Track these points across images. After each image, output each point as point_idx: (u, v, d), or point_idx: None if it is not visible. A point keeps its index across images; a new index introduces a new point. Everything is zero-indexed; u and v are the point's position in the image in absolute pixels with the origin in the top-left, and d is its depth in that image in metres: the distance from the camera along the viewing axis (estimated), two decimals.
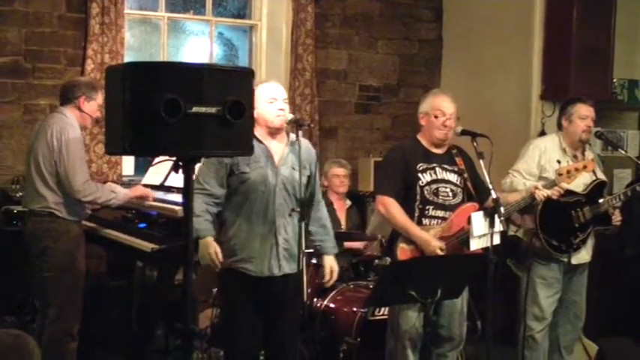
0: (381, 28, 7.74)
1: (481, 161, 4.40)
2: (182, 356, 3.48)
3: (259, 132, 4.18)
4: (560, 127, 5.25)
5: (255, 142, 4.01)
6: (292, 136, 4.30)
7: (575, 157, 5.13)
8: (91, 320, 5.05)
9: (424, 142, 4.75)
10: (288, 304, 4.20)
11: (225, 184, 4.19)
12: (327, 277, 4.44)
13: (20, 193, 5.69)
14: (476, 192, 4.72)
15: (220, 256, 4.14)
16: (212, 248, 4.12)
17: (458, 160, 4.76)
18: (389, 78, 7.83)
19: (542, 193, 4.68)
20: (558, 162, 4.96)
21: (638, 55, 7.38)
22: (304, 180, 4.20)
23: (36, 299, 5.32)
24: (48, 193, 4.80)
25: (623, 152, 5.34)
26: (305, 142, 4.39)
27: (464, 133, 4.59)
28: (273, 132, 4.24)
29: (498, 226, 4.34)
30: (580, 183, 5.04)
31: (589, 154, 5.20)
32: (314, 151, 4.50)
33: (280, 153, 4.24)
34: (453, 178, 4.71)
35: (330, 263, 4.46)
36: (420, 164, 4.65)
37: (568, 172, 4.69)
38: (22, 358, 2.59)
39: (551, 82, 6.76)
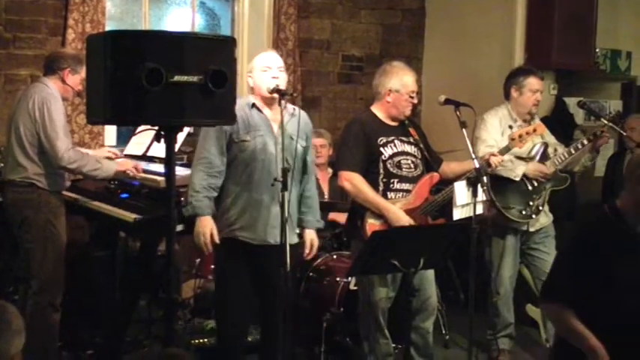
0: None
1: (464, 130, 4.40)
2: (165, 326, 3.49)
3: (258, 101, 4.26)
4: (507, 96, 5.25)
5: (255, 111, 4.23)
6: (290, 107, 4.33)
7: (525, 121, 5.17)
8: (74, 291, 5.03)
9: (381, 116, 4.73)
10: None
11: (225, 153, 4.20)
12: (306, 251, 4.44)
13: (2, 164, 5.64)
14: (431, 161, 4.75)
15: (216, 237, 4.14)
16: (208, 229, 4.12)
17: (411, 130, 4.76)
18: (372, 48, 7.80)
19: (496, 160, 4.67)
20: (510, 127, 5.04)
21: (620, 25, 7.39)
22: (300, 150, 4.24)
23: (18, 270, 5.30)
24: (28, 163, 4.75)
25: (605, 122, 5.35)
26: (303, 114, 4.41)
27: (447, 102, 4.57)
28: (268, 101, 4.28)
29: (481, 196, 4.36)
30: (526, 149, 5.08)
31: (537, 120, 5.24)
32: (311, 124, 4.55)
33: (279, 122, 4.22)
34: (411, 149, 4.71)
35: (311, 237, 4.45)
36: (381, 138, 4.63)
37: (520, 136, 4.74)
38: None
39: (534, 51, 6.78)
